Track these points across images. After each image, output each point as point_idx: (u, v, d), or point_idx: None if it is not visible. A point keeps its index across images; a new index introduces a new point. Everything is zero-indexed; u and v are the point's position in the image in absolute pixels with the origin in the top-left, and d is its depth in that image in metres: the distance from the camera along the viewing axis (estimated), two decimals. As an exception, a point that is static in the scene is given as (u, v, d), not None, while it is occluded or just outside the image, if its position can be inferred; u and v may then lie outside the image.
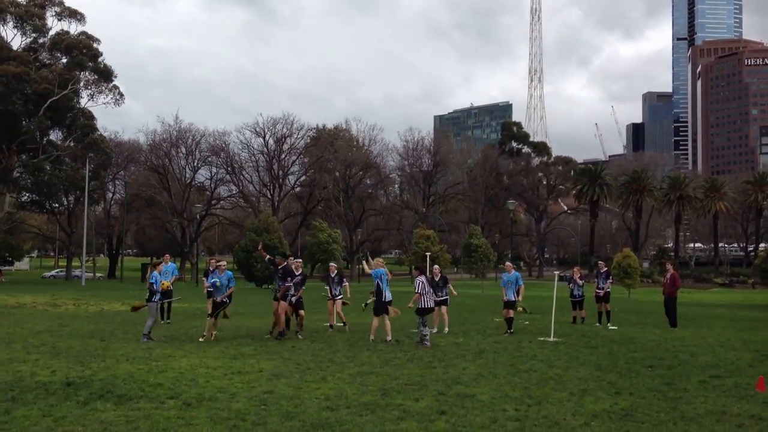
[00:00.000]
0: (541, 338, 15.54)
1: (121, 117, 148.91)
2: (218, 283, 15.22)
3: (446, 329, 16.76)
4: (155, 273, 15.33)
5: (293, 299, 15.39)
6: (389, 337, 14.46)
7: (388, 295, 14.69)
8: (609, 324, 19.11)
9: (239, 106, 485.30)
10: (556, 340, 15.19)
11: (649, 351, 13.47)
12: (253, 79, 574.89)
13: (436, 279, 17.03)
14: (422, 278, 14.49)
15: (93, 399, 8.41)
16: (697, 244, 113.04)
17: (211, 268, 21.25)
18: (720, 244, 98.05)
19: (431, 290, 14.66)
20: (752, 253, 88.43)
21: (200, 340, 14.58)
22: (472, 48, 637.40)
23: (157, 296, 15.09)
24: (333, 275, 17.39)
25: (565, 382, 9.91)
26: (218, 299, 15.18)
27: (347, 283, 17.85)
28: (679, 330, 18.16)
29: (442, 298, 16.82)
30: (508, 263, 17.94)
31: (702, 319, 22.36)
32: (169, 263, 18.02)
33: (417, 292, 14.31)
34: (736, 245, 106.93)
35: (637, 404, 8.46)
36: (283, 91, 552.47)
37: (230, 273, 15.65)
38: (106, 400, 8.38)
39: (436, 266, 18.38)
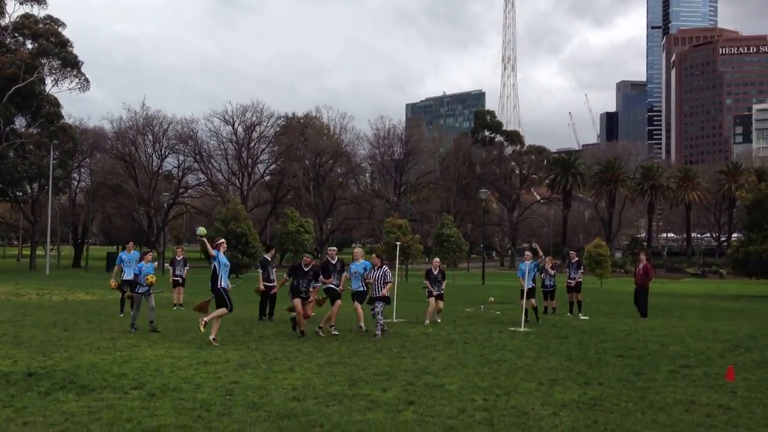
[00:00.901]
0: (512, 328, 15.55)
1: (84, 103, 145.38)
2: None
3: (439, 319, 16.72)
4: (141, 264, 14.94)
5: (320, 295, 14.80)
6: (362, 323, 14.34)
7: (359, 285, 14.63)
8: (580, 314, 19.21)
9: (206, 93, 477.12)
10: (526, 330, 15.21)
11: (619, 341, 13.54)
12: (219, 66, 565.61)
13: (435, 272, 16.99)
14: (386, 268, 14.45)
15: (55, 389, 8.25)
16: (670, 234, 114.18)
17: (177, 258, 21.02)
18: (693, 234, 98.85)
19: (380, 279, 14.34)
20: (725, 244, 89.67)
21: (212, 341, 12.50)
22: (442, 35, 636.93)
23: (143, 287, 14.73)
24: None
25: (535, 372, 9.90)
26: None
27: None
28: (649, 320, 18.32)
29: (439, 292, 16.83)
30: (527, 252, 17.92)
31: (673, 309, 22.61)
32: (133, 252, 17.41)
33: (389, 281, 14.38)
34: (708, 235, 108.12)
35: (606, 394, 8.47)
36: (250, 77, 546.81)
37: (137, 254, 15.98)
38: (69, 390, 8.22)
39: (436, 259, 18.32)
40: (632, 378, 9.56)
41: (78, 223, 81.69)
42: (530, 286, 16.75)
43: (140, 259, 15.39)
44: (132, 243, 18.29)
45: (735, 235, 79.07)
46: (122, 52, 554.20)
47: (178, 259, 21.00)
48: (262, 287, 16.85)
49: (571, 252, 22.58)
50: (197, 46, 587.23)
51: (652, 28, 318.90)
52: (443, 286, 17.10)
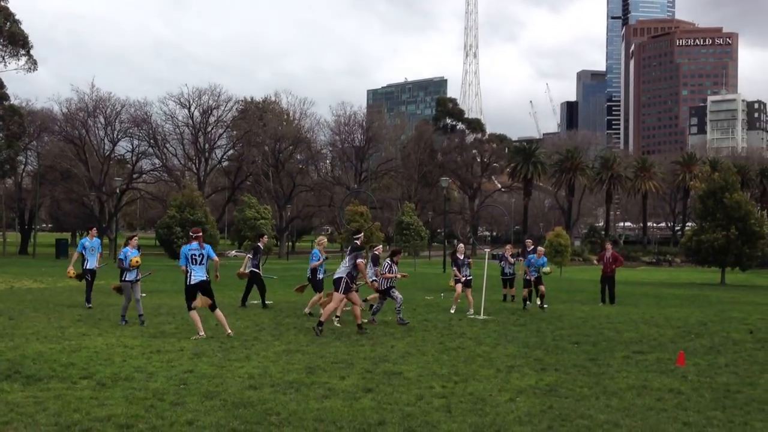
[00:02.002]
0: (471, 316, 15.60)
1: (25, 84, 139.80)
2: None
3: (471, 310, 16.22)
4: (126, 248, 13.84)
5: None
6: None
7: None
8: (541, 304, 19.22)
9: (157, 75, 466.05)
10: (485, 317, 15.27)
11: (575, 328, 13.70)
12: (171, 48, 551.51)
13: (462, 258, 16.65)
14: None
15: (-1, 380, 7.97)
16: (627, 223, 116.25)
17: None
18: (648, 224, 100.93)
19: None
20: (679, 233, 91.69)
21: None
22: (398, 19, 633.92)
23: (131, 274, 13.54)
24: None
25: (493, 360, 9.94)
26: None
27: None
28: (605, 307, 18.61)
29: (467, 278, 16.52)
30: (540, 248, 18.76)
31: (628, 297, 22.98)
32: (95, 239, 16.74)
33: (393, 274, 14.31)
34: (664, 224, 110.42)
35: (561, 380, 8.55)
36: (203, 60, 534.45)
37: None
38: (14, 380, 7.95)
39: (461, 245, 17.83)
40: (587, 364, 9.68)
41: (25, 209, 79.45)
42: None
43: (125, 244, 14.30)
44: (95, 229, 17.56)
45: (689, 224, 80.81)
46: (66, 29, 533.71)
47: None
48: (246, 272, 16.74)
49: (527, 240, 22.73)
50: (148, 26, 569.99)
51: (612, 18, 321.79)
52: (469, 273, 16.73)
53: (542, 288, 18.14)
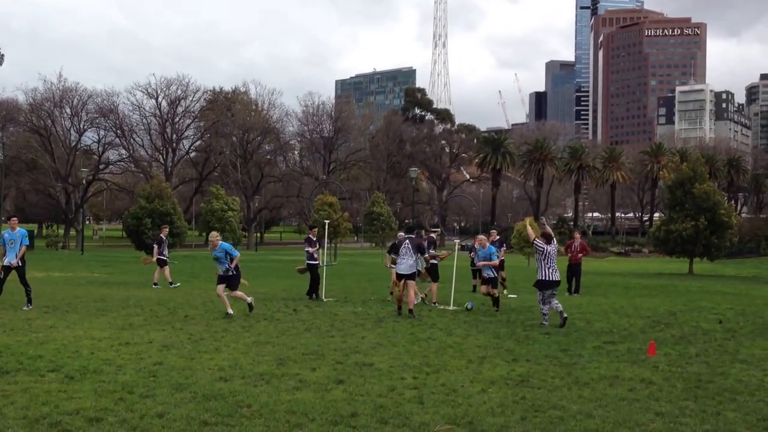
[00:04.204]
0: (441, 307, 15.63)
1: None
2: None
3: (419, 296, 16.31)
4: (161, 236, 14.93)
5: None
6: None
7: None
8: (506, 291, 19.31)
9: (114, 64, 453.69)
10: (455, 308, 15.31)
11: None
12: (128, 36, 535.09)
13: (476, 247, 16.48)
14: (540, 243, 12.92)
15: (-37, 373, 7.79)
16: (596, 214, 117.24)
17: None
18: (617, 214, 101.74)
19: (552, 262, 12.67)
20: (647, 223, 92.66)
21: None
22: (356, 9, 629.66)
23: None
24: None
25: (464, 350, 9.96)
26: None
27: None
28: (576, 297, 18.75)
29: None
30: (481, 236, 17.11)
31: (598, 287, 23.21)
32: (19, 229, 14.41)
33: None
34: (632, 214, 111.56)
35: (533, 370, 8.58)
36: (161, 49, 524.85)
37: (24, 231, 14.53)
38: (-21, 374, 7.77)
39: (481, 236, 17.14)
40: (559, 354, 9.73)
41: (-10, 199, 77.94)
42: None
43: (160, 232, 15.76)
44: (16, 219, 15.06)
45: (657, 214, 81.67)
46: (18, 16, 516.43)
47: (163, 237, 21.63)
48: (304, 267, 17.30)
49: (492, 231, 22.08)
50: (102, 13, 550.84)
51: (581, 8, 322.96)
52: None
53: (494, 291, 16.39)
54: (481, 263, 15.57)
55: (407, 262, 13.90)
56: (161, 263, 20.96)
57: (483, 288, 15.81)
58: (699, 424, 6.33)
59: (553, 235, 13.32)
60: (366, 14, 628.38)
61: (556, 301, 12.67)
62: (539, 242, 12.92)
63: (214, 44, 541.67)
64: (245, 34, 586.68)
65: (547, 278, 12.60)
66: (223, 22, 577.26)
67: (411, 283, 13.93)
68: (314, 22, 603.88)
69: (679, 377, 8.33)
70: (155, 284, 20.69)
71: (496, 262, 15.49)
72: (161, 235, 21.68)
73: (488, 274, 15.31)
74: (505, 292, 19.22)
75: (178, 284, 21.04)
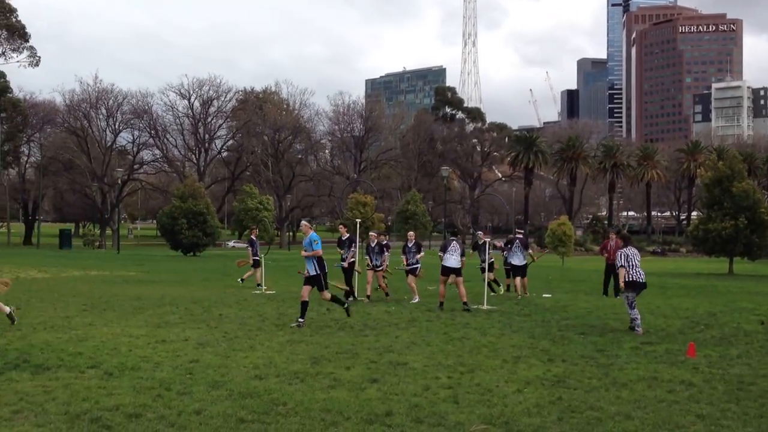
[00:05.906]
0: (475, 306, 15.54)
1: (11, 76, 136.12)
2: None
3: (416, 298, 16.56)
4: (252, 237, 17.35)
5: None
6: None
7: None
8: (501, 290, 19.17)
9: (139, 66, 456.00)
10: (489, 308, 15.21)
11: (581, 318, 13.60)
12: (153, 38, 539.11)
13: (409, 245, 17.05)
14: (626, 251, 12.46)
15: (8, 369, 7.97)
16: (630, 213, 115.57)
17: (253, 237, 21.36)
18: (653, 213, 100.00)
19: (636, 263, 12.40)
20: (684, 222, 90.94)
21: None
22: (376, 8, 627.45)
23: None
24: (373, 245, 17.35)
25: (498, 350, 9.87)
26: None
27: (388, 254, 17.45)
28: (610, 298, 18.45)
29: (414, 266, 16.83)
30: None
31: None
32: None
33: (620, 265, 12.26)
34: (668, 213, 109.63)
35: (569, 371, 8.47)
36: (184, 50, 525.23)
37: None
38: (22, 369, 7.95)
39: (411, 232, 18.46)
40: (595, 355, 9.59)
41: (28, 200, 79.64)
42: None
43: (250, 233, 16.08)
44: None
45: (694, 213, 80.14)
46: (47, 20, 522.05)
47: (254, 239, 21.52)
48: (346, 265, 17.27)
49: (517, 230, 21.41)
50: (128, 16, 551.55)
51: (613, 5, 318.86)
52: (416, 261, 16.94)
53: (524, 279, 18.22)
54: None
55: (455, 258, 14.72)
56: (256, 264, 20.56)
57: (517, 281, 17.52)
58: (741, 426, 6.20)
59: (630, 237, 13.32)
60: (385, 13, 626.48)
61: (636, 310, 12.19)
62: (623, 251, 12.46)
63: (235, 45, 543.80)
64: (266, 35, 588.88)
65: (639, 279, 12.13)
66: (242, 23, 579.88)
67: (459, 279, 14.74)
68: (334, 22, 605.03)
69: (720, 379, 8.15)
70: (259, 285, 19.62)
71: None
72: (251, 236, 21.69)
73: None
74: (500, 290, 19.28)
75: (265, 289, 19.47)
